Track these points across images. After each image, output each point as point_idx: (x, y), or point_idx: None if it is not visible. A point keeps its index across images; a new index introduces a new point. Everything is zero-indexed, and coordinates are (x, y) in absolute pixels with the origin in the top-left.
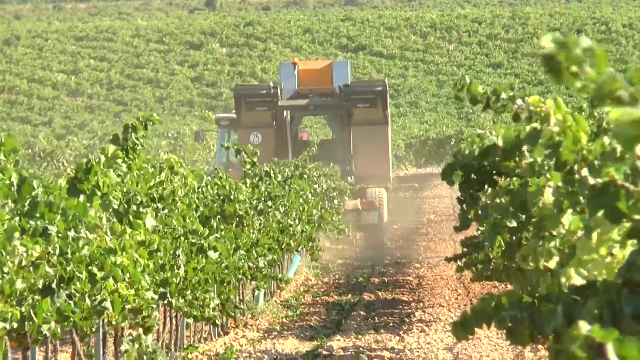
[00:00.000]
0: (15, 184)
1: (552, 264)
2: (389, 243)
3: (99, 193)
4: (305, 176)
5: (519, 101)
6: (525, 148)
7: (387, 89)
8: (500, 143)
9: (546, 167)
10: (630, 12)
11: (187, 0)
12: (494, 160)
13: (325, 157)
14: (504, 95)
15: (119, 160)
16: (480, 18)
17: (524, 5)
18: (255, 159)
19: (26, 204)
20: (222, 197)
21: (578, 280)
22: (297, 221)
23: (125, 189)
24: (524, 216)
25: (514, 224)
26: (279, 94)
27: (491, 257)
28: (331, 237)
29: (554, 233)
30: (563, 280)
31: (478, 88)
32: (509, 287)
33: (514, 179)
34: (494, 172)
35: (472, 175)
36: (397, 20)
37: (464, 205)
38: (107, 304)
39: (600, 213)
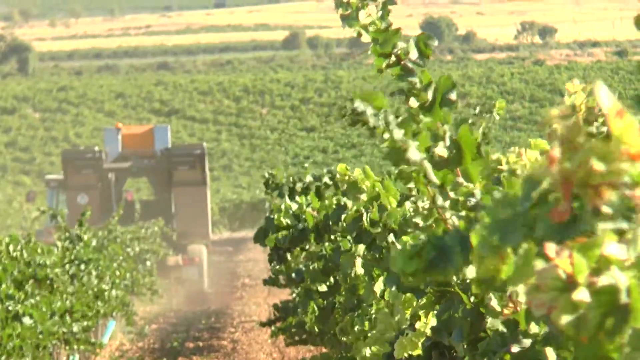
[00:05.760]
0: None
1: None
2: (206, 305)
3: None
4: (118, 240)
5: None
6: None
7: (206, 152)
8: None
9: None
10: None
11: None
12: (310, 241)
13: (148, 216)
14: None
15: None
16: (292, 82)
17: (336, 69)
18: (83, 219)
19: None
20: (36, 262)
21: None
22: (111, 286)
23: None
24: (333, 280)
25: (324, 288)
26: (104, 157)
27: (305, 321)
28: (145, 300)
29: (369, 302)
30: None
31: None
32: (324, 350)
33: (327, 244)
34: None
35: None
36: (210, 85)
37: (274, 263)
38: None
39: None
